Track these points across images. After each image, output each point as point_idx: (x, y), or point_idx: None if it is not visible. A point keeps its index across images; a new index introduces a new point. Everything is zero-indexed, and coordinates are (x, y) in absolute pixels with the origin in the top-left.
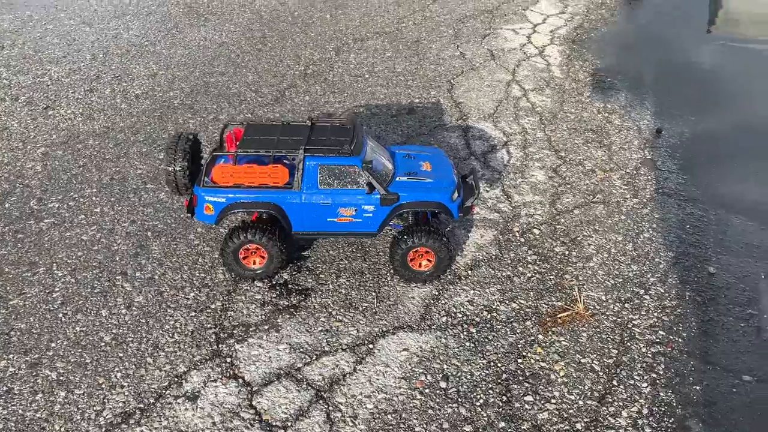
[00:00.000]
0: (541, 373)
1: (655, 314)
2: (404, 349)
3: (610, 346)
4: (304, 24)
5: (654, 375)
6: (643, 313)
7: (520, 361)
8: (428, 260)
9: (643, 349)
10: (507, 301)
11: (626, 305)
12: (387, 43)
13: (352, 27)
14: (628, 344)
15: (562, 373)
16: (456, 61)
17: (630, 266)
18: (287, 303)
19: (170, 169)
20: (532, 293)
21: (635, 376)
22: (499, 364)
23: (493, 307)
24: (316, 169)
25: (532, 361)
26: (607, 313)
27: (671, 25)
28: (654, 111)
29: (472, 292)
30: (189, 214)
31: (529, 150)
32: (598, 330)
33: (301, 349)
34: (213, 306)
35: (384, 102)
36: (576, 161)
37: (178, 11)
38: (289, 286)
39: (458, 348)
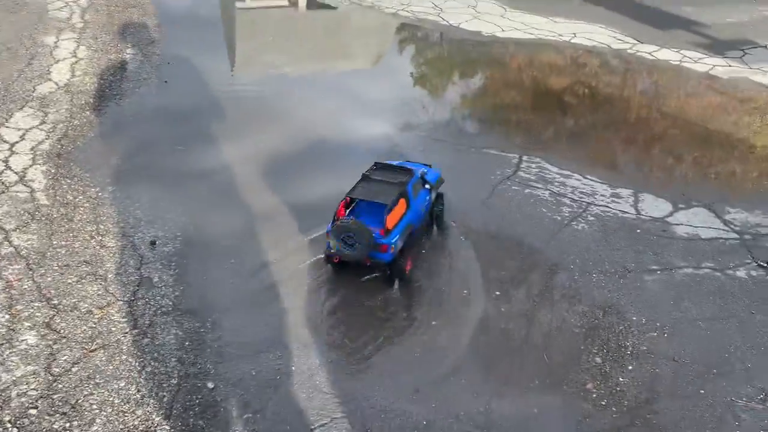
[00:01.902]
0: None
1: None
2: None
3: None
4: None
5: None
6: None
7: None
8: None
9: None
10: None
11: None
12: None
13: None
14: None
15: None
16: None
17: (135, 413)
18: None
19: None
20: None
21: None
22: None
23: None
24: (411, 188)
25: None
26: None
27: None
28: (148, 219)
29: None
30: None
31: (16, 309)
32: None
33: None
34: None
35: None
36: (71, 306)
37: None
38: None
39: None
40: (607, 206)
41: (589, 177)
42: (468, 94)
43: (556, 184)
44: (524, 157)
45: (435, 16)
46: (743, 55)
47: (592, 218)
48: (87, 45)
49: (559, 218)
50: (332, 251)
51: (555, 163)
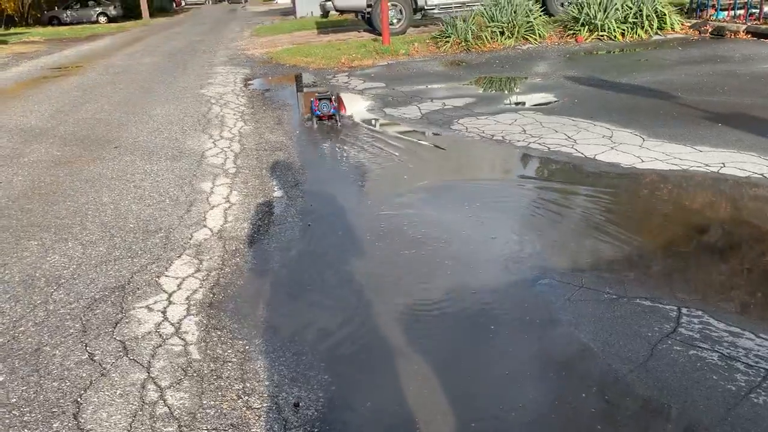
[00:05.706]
0: None
1: None
2: None
3: None
4: None
5: None
6: None
7: None
8: None
9: None
10: None
11: None
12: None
13: None
14: None
15: None
16: (84, 369)
17: None
18: None
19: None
20: None
21: None
22: None
23: None
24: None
25: None
26: None
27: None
28: (291, 376)
29: None
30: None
31: None
32: None
33: None
34: None
35: None
36: None
37: None
38: None
39: None
40: None
41: (763, 336)
42: (611, 233)
43: (726, 344)
44: (683, 310)
45: (569, 148)
46: None
47: None
48: (238, 190)
49: (733, 388)
50: (319, 113)
51: (721, 318)
